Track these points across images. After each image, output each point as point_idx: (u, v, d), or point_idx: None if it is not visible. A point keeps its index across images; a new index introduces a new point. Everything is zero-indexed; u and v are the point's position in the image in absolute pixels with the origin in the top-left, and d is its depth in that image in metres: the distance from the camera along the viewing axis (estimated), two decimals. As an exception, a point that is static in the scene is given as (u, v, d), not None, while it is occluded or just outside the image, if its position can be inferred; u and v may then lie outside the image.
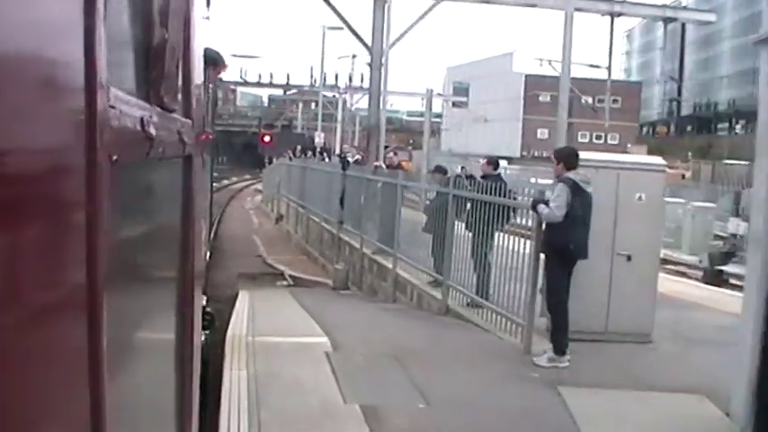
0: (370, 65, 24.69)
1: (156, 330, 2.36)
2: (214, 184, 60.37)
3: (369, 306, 15.13)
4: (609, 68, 34.51)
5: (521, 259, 10.38)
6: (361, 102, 63.69)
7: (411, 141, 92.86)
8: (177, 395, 2.65)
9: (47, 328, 1.08)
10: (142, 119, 1.62)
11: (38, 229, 1.05)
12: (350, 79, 55.24)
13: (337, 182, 21.28)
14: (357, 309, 14.80)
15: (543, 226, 9.71)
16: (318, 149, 35.99)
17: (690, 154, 72.51)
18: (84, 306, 1.22)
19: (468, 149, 78.55)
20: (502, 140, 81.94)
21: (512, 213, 11.63)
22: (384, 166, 16.84)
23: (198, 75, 2.93)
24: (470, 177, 13.03)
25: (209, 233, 25.70)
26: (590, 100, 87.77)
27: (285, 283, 19.55)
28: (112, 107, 1.33)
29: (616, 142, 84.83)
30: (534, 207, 9.65)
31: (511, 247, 10.93)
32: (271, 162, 48.46)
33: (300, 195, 27.83)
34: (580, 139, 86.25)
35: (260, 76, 54.62)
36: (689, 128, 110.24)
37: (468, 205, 12.40)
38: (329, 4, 23.66)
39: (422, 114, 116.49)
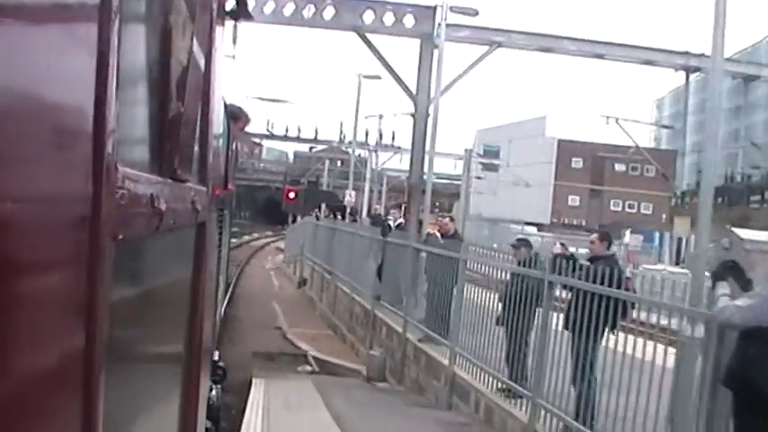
0: (413, 115, 21.47)
1: (157, 416, 2.26)
2: (233, 240, 57.31)
3: (418, 415, 11.59)
4: (684, 128, 30.78)
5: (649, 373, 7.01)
6: (389, 162, 60.66)
7: (437, 204, 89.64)
8: None
9: (42, 417, 1.09)
10: (152, 195, 1.65)
11: (36, 311, 1.05)
12: (380, 136, 52.18)
13: (375, 249, 17.92)
14: (403, 419, 11.29)
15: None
16: (349, 210, 32.81)
17: (729, 226, 68.89)
18: (80, 388, 1.23)
19: (497, 214, 75.16)
20: (532, 206, 78.46)
21: (629, 309, 8.32)
22: (438, 233, 13.52)
23: (214, 140, 2.92)
24: (571, 258, 9.58)
25: (225, 295, 22.34)
26: (623, 167, 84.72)
27: (309, 368, 16.05)
28: (120, 187, 1.35)
29: (650, 212, 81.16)
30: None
31: (635, 355, 7.58)
32: (295, 220, 45.23)
33: (328, 260, 24.43)
34: (612, 207, 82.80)
35: (287, 129, 51.79)
36: (719, 199, 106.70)
37: (568, 294, 8.99)
38: (370, 45, 20.50)
39: (449, 177, 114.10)
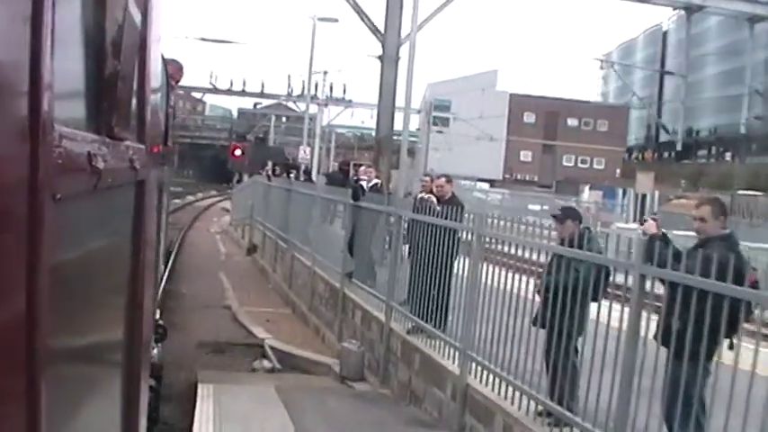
0: (381, 58, 18.28)
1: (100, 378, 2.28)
2: (176, 201, 53.54)
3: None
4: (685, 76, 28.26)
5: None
6: (338, 118, 57.23)
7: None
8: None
9: None
10: (89, 153, 1.63)
11: None
12: (330, 89, 48.64)
13: (344, 216, 14.82)
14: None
15: None
16: (303, 168, 29.43)
17: (683, 182, 67.22)
18: (23, 349, 1.23)
19: (448, 170, 72.35)
20: (484, 162, 75.84)
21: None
22: (434, 197, 10.39)
23: (153, 98, 2.81)
24: (664, 239, 6.52)
25: (165, 267, 19.16)
26: (576, 122, 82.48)
27: (268, 364, 12.94)
28: (57, 146, 1.34)
29: (602, 167, 79.28)
30: None
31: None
32: (241, 179, 41.77)
33: (282, 226, 21.22)
34: (565, 163, 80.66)
35: (231, 83, 47.81)
36: (665, 155, 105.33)
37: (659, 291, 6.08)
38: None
39: (396, 133, 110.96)
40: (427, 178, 12.57)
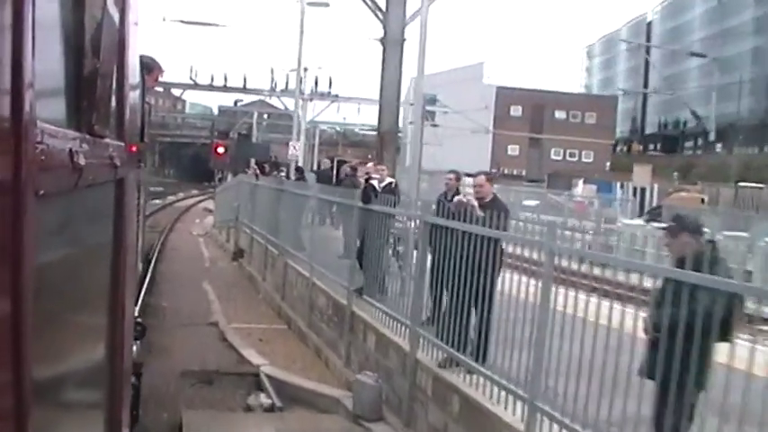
0: (383, 41, 16.11)
1: (84, 369, 2.29)
2: (156, 201, 51.10)
3: None
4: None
5: None
6: (323, 114, 54.86)
7: (369, 157, 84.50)
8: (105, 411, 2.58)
9: None
10: (71, 150, 1.64)
11: None
12: (316, 83, 46.28)
13: (347, 220, 12.70)
14: None
15: None
16: (294, 165, 27.12)
17: (676, 174, 65.36)
18: (8, 345, 1.24)
19: (434, 165, 70.38)
20: (470, 156, 73.84)
21: None
22: (473, 201, 8.25)
23: (132, 96, 2.83)
24: None
25: (143, 277, 17.02)
26: (564, 114, 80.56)
27: (266, 400, 10.76)
28: (39, 143, 1.35)
29: (591, 160, 77.46)
30: None
31: None
32: (224, 178, 39.47)
33: (273, 229, 19.06)
34: (553, 156, 78.83)
35: (212, 78, 45.33)
36: (651, 147, 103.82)
37: None
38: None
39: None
40: (452, 176, 10.48)
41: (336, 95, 46.60)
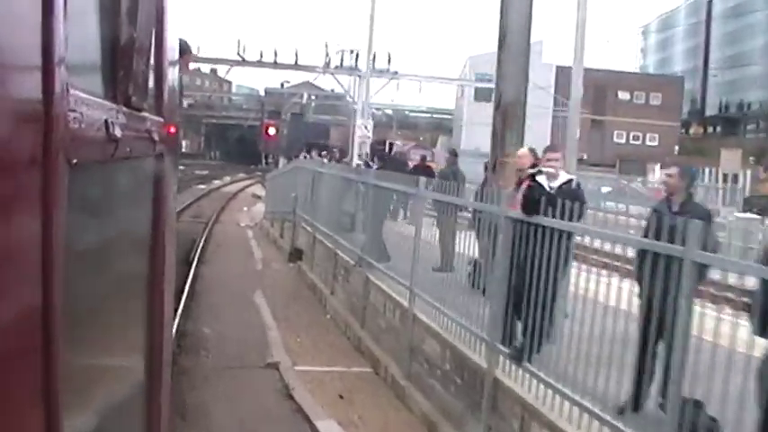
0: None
1: (120, 357, 2.13)
2: (200, 187, 46.76)
3: None
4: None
5: None
6: (377, 96, 49.87)
7: (421, 139, 79.74)
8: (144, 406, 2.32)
9: None
10: (106, 120, 1.57)
11: None
12: (374, 58, 41.41)
13: (491, 241, 8.03)
14: None
15: None
16: (387, 148, 22.25)
17: (752, 159, 59.62)
18: (38, 325, 1.18)
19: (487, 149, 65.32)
20: (529, 139, 68.64)
21: None
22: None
23: (171, 69, 2.58)
24: None
25: (179, 295, 12.81)
26: (627, 95, 74.85)
27: None
28: (73, 110, 1.31)
29: (656, 144, 71.73)
30: None
31: None
32: (276, 163, 34.99)
33: (344, 231, 14.57)
34: (616, 140, 73.24)
35: (261, 54, 40.89)
36: (710, 129, 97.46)
37: None
38: None
39: (427, 111, 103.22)
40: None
41: (396, 72, 41.83)
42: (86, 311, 1.58)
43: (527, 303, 6.96)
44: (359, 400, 9.83)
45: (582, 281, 6.47)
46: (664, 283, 5.20)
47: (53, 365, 1.21)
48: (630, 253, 6.38)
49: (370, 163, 14.96)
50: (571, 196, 6.90)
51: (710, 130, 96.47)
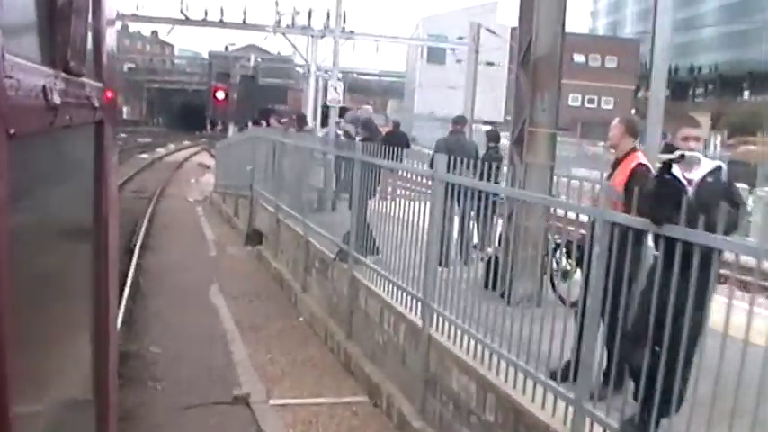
0: None
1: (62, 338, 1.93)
2: (143, 156, 43.41)
3: None
4: None
5: None
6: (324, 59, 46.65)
7: (371, 103, 76.99)
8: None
9: None
10: (45, 87, 1.50)
11: None
12: (327, 17, 38.32)
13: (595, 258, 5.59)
14: None
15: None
16: (339, 112, 19.35)
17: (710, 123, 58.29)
18: None
19: (445, 112, 63.00)
20: (481, 103, 66.50)
21: None
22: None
23: (109, 31, 2.37)
24: None
25: (117, 302, 10.14)
26: (583, 58, 72.89)
27: None
28: (9, 77, 1.24)
29: (611, 107, 70.08)
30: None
31: None
32: (225, 129, 31.94)
33: (316, 215, 11.98)
34: (571, 103, 71.31)
35: (206, 13, 37.59)
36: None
37: None
38: None
39: (377, 74, 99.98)
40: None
41: (352, 32, 38.91)
42: (22, 305, 1.36)
43: (650, 352, 4.52)
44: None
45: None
46: None
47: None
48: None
49: (352, 133, 12.23)
50: (721, 194, 4.46)
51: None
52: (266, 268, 15.15)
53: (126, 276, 12.90)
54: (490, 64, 45.89)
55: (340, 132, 14.10)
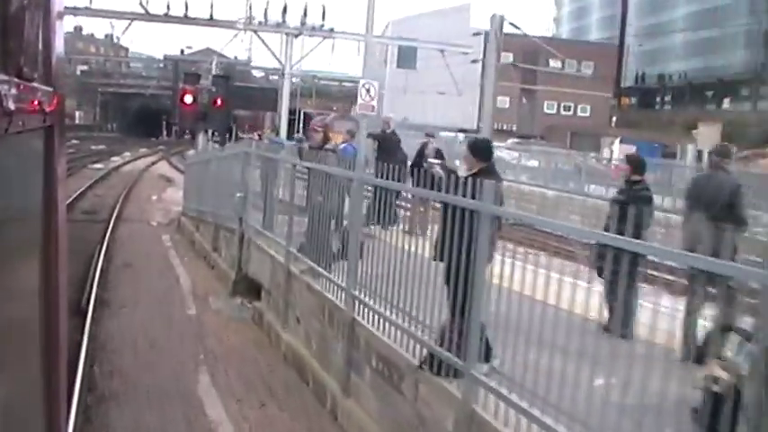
0: None
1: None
2: (96, 166, 38.05)
3: None
4: None
5: None
6: (307, 62, 41.88)
7: (334, 108, 72.66)
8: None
9: None
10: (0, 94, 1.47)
11: None
12: (305, 13, 33.84)
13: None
14: None
15: None
16: (302, 118, 14.55)
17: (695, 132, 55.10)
18: None
19: (412, 120, 58.89)
20: (457, 109, 62.60)
21: None
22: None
23: (59, 34, 2.27)
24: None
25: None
26: (559, 64, 69.37)
27: None
28: None
29: (587, 114, 66.68)
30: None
31: None
32: (193, 138, 27.28)
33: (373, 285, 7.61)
34: (546, 110, 67.88)
35: (168, 7, 32.84)
36: (625, 101, 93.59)
37: None
38: None
39: (340, 80, 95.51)
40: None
41: (331, 29, 34.49)
42: None
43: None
44: None
45: None
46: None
47: None
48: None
49: (439, 173, 7.58)
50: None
51: (626, 102, 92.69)
52: (272, 341, 10.69)
53: (75, 371, 8.36)
54: (475, 62, 41.91)
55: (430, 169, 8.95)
